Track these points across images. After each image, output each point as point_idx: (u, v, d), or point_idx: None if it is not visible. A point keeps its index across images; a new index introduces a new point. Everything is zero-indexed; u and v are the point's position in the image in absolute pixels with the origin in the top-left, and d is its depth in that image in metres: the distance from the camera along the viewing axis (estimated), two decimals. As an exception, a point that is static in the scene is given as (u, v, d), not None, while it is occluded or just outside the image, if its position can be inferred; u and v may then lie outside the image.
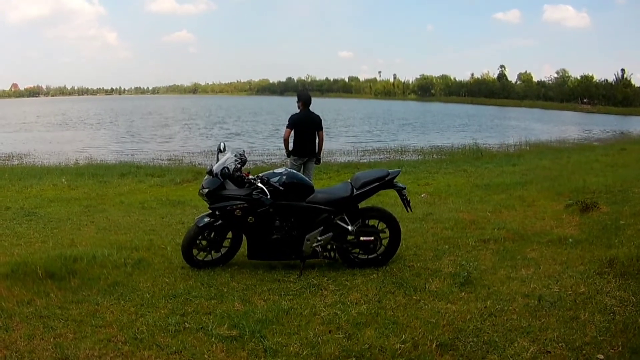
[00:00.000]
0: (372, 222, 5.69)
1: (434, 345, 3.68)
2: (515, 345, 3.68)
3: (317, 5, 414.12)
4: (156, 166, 16.89)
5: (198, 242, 5.53)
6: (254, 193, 5.34)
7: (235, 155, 5.74)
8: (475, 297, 4.58)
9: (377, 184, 5.55)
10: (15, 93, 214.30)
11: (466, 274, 4.98)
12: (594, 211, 7.59)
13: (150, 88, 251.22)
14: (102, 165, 16.84)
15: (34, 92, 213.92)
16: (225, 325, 4.03)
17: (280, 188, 5.31)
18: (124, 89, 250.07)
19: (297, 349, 3.68)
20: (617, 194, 9.10)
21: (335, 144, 24.82)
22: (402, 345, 3.68)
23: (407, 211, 5.82)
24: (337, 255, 5.60)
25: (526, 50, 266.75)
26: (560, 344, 3.67)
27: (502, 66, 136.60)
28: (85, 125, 43.44)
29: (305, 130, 8.65)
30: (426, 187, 11.40)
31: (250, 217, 5.34)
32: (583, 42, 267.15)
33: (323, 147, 9.08)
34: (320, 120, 8.84)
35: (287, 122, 8.62)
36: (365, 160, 19.30)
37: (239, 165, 5.57)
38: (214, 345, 3.75)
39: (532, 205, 8.57)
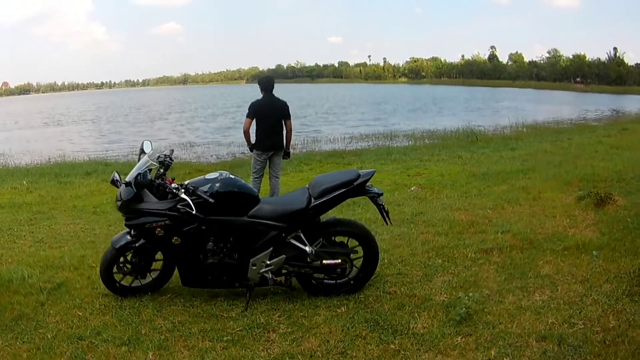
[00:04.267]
0: (340, 238, 4.40)
1: None
2: None
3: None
4: (126, 163, 15.59)
5: (122, 265, 4.39)
6: (179, 206, 4.08)
7: (159, 157, 4.42)
8: (475, 343, 3.37)
9: (342, 190, 4.21)
10: (6, 91, 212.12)
11: (464, 309, 3.73)
12: (610, 205, 6.49)
13: (140, 80, 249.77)
14: (68, 164, 15.57)
15: (24, 90, 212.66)
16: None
17: (210, 200, 4.01)
18: (114, 82, 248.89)
19: None
20: (631, 182, 8.02)
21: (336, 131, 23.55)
22: None
23: (387, 224, 4.55)
24: (294, 281, 4.36)
25: (516, 31, 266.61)
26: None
27: (492, 47, 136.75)
28: (69, 122, 41.86)
29: (269, 120, 7.45)
30: (417, 177, 10.12)
31: (175, 238, 4.11)
32: (574, 21, 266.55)
33: (292, 139, 7.90)
34: (287, 107, 7.61)
35: (247, 111, 7.45)
36: (352, 148, 17.80)
37: (162, 171, 4.30)
38: None
39: (538, 199, 7.37)
